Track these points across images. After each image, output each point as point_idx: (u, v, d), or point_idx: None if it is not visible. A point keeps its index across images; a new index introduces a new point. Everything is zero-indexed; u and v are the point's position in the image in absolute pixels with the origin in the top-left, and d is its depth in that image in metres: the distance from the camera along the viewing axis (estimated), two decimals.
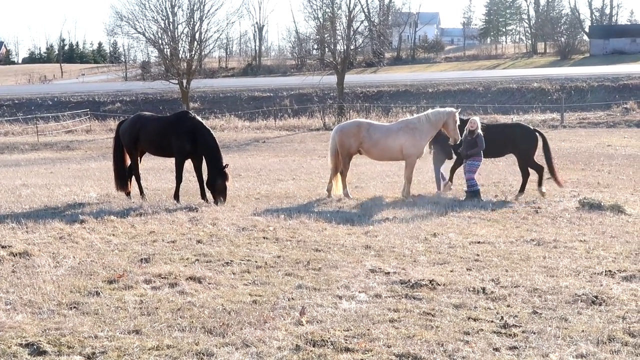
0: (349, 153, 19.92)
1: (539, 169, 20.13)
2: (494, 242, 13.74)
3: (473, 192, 19.14)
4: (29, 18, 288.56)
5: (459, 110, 19.04)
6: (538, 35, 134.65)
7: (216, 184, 18.53)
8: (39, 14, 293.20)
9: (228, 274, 11.45)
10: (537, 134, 20.58)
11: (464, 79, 74.90)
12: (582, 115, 56.07)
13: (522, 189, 20.13)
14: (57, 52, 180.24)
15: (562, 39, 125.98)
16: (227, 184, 18.70)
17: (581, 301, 9.81)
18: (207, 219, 16.09)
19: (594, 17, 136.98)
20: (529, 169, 20.32)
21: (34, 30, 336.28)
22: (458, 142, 19.38)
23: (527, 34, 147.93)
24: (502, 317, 9.12)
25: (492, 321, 9.05)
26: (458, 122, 19.32)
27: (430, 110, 19.81)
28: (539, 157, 20.29)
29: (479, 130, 19.28)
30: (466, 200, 18.79)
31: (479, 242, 13.70)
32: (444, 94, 67.83)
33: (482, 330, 8.73)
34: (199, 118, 19.63)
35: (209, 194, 19.08)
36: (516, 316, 9.23)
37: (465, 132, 19.29)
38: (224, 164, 18.59)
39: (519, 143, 20.38)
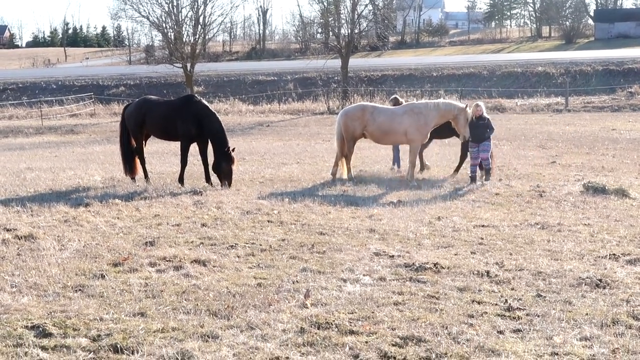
0: (353, 136, 19.93)
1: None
2: (498, 225, 13.75)
3: (488, 171, 19.55)
4: (32, 2, 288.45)
5: (471, 106, 19.04)
6: (543, 19, 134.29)
7: (222, 167, 18.54)
8: None
9: (233, 257, 11.48)
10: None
11: (469, 63, 74.72)
12: (586, 99, 55.89)
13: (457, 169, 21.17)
14: (61, 35, 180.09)
15: (567, 22, 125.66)
16: (233, 167, 18.71)
17: (585, 284, 9.82)
18: (212, 203, 16.12)
19: (599, 0, 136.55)
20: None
21: (37, 14, 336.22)
22: (467, 138, 19.38)
23: (531, 17, 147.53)
24: (506, 300, 9.13)
25: (496, 304, 9.07)
26: (469, 119, 19.16)
27: (442, 100, 19.76)
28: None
29: (485, 114, 19.51)
30: (486, 181, 19.20)
31: (483, 226, 13.71)
32: (448, 77, 67.72)
33: (486, 313, 8.75)
34: (204, 102, 19.61)
35: (213, 178, 19.09)
36: (520, 299, 9.24)
37: (471, 117, 19.24)
38: (229, 147, 18.59)
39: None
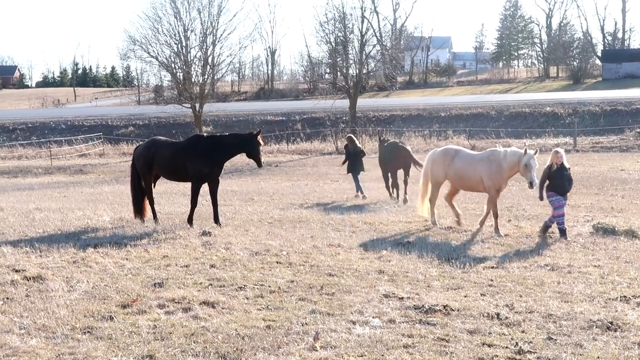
0: (437, 181, 19.42)
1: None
2: (508, 267, 13.69)
3: (563, 231, 17.11)
4: (42, 42, 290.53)
5: (536, 154, 17.63)
6: (550, 59, 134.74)
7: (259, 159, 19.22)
8: (53, 38, 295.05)
9: (241, 298, 11.44)
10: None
11: (477, 103, 74.94)
12: (595, 139, 55.97)
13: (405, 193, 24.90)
14: (70, 75, 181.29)
15: (575, 63, 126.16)
16: (261, 148, 19.39)
17: (596, 327, 9.76)
18: (221, 244, 16.09)
19: (606, 41, 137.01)
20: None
21: (47, 54, 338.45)
22: (532, 185, 17.43)
23: (539, 58, 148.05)
24: (516, 343, 9.08)
25: (506, 347, 9.01)
26: (536, 166, 17.52)
27: (511, 149, 18.64)
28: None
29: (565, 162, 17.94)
30: (561, 239, 16.84)
31: (492, 267, 13.66)
32: (456, 118, 67.92)
33: (496, 356, 8.70)
34: (210, 134, 19.72)
35: (222, 218, 19.14)
36: (531, 342, 9.18)
37: (551, 164, 17.62)
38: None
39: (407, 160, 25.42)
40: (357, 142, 28.54)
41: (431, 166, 19.47)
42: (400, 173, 25.76)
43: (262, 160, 19.44)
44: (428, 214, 19.59)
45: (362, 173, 27.48)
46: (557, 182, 17.49)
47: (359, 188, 26.65)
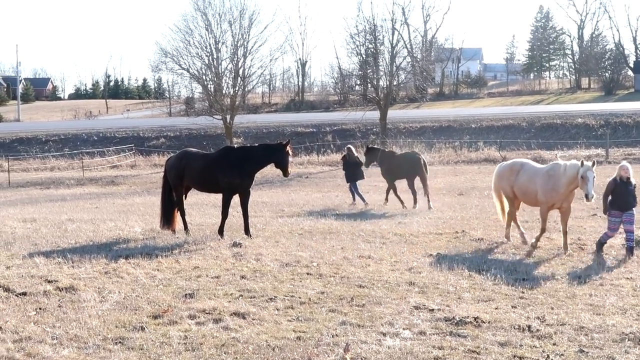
0: (507, 196, 18.74)
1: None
2: (539, 279, 13.62)
3: (631, 249, 16.35)
4: (75, 54, 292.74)
5: (594, 166, 16.83)
6: (582, 70, 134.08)
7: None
8: (85, 50, 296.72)
9: (272, 309, 11.46)
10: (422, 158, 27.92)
11: (508, 115, 74.66)
12: (627, 150, 55.56)
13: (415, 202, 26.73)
14: (102, 88, 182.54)
15: (607, 74, 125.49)
16: (290, 159, 19.49)
17: (628, 340, 9.69)
18: (251, 255, 16.13)
19: (638, 52, 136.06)
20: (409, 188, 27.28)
21: (80, 67, 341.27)
22: (588, 197, 16.53)
23: (570, 69, 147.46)
24: (548, 356, 9.03)
25: (538, 359, 8.96)
26: (593, 178, 16.69)
27: (570, 162, 17.47)
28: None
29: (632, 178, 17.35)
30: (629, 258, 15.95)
31: (523, 279, 13.59)
32: (487, 129, 67.67)
33: None
34: (241, 145, 19.79)
35: (252, 229, 19.21)
36: (562, 355, 9.13)
37: (616, 178, 17.06)
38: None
39: (411, 168, 27.49)
40: (355, 153, 30.46)
41: (498, 181, 18.94)
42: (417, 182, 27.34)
43: (290, 170, 19.51)
44: (511, 229, 18.71)
45: (361, 181, 29.39)
46: (621, 197, 16.86)
47: (358, 196, 28.50)
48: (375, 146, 33.59)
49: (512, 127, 67.75)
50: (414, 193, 27.10)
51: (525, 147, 57.25)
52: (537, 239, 17.50)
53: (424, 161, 27.78)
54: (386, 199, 28.03)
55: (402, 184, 28.08)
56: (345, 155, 30.33)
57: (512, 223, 18.67)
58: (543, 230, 17.56)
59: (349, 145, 31.24)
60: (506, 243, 17.93)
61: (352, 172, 29.16)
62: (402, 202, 26.93)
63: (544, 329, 10.20)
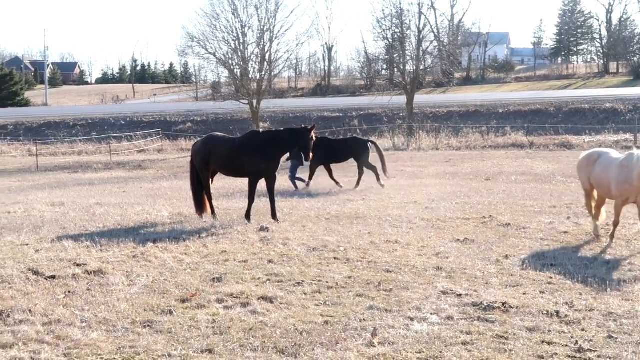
0: (584, 187, 17.62)
1: (374, 168, 28.82)
2: (567, 264, 13.55)
3: None
4: (102, 39, 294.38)
5: None
6: (610, 55, 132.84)
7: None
8: (112, 35, 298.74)
9: (299, 294, 11.48)
10: (369, 143, 29.98)
11: (535, 99, 74.25)
12: None
13: (358, 183, 28.66)
14: (129, 72, 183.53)
15: (635, 58, 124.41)
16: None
17: None
18: (278, 239, 16.15)
19: None
20: (365, 168, 28.98)
21: (107, 51, 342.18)
22: None
23: (599, 53, 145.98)
24: (576, 342, 8.99)
25: (566, 345, 8.93)
26: None
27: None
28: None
29: None
30: None
31: (552, 265, 13.52)
32: (514, 114, 67.35)
33: (556, 354, 8.63)
34: (266, 130, 19.81)
35: (279, 214, 19.23)
36: (591, 340, 9.09)
37: None
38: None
39: (357, 151, 29.03)
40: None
41: (578, 172, 18.02)
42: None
43: (311, 156, 19.59)
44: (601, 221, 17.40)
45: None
46: None
47: (293, 180, 28.86)
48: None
49: (539, 112, 67.38)
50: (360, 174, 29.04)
51: (552, 132, 56.90)
52: (612, 235, 16.23)
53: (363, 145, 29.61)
54: (337, 183, 28.91)
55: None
56: None
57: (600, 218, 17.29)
58: (615, 224, 16.29)
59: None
60: (595, 241, 16.38)
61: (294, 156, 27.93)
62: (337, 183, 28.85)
63: (573, 315, 10.16)
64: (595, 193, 17.19)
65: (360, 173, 29.07)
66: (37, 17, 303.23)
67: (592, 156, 17.14)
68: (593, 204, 17.40)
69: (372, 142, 30.64)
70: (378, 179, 28.48)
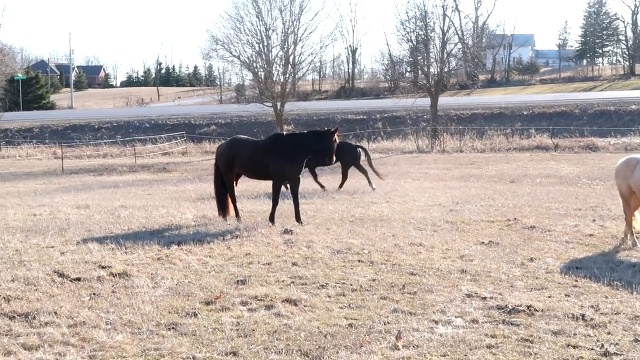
0: (622, 194, 16.96)
1: (364, 172, 29.43)
2: (593, 267, 13.46)
3: None
4: (127, 42, 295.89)
5: None
6: (636, 56, 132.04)
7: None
8: (137, 38, 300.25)
9: (323, 296, 11.47)
10: (359, 149, 30.32)
11: (560, 101, 73.96)
12: None
13: (341, 186, 29.03)
14: (154, 75, 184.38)
15: None
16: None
17: None
18: (302, 242, 16.15)
19: None
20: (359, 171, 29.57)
21: (131, 55, 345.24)
22: None
23: (624, 55, 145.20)
24: (602, 345, 8.93)
25: (592, 349, 8.87)
26: None
27: None
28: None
29: None
30: None
31: (577, 268, 13.44)
32: (539, 116, 67.16)
33: (581, 358, 8.57)
34: (290, 132, 19.85)
35: (304, 217, 19.24)
36: (617, 344, 9.03)
37: None
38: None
39: (343, 155, 27.67)
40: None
41: (615, 177, 17.38)
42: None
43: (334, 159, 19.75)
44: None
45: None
46: None
47: None
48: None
49: (564, 114, 67.13)
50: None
51: (578, 135, 56.66)
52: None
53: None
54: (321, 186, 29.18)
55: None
56: None
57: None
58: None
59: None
60: (622, 244, 16.13)
61: None
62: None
63: (598, 318, 10.09)
64: (633, 199, 16.78)
65: (344, 177, 29.55)
66: (63, 20, 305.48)
67: (631, 162, 16.73)
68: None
69: (362, 148, 31.11)
70: (370, 182, 28.75)
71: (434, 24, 69.82)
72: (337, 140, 19.61)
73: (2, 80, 76.97)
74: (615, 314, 10.33)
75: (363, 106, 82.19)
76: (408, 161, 47.31)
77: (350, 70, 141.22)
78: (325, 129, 20.11)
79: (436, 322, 9.97)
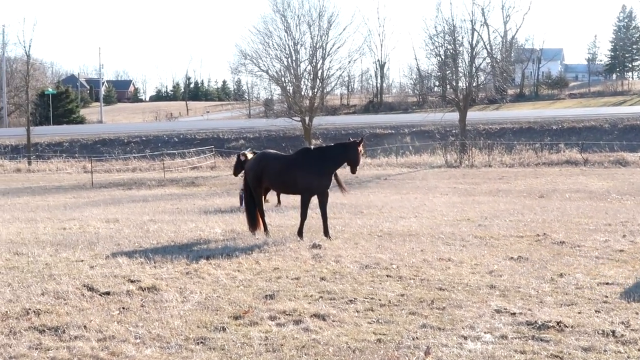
0: None
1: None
2: (623, 283, 13.36)
3: None
4: (156, 57, 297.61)
5: None
6: None
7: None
8: (166, 53, 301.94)
9: (352, 311, 11.45)
10: None
11: (589, 116, 73.65)
12: None
13: None
14: (182, 90, 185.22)
15: None
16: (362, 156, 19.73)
17: None
18: (331, 256, 16.13)
19: None
20: None
21: (161, 69, 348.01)
22: None
23: None
24: None
25: None
26: None
27: None
28: None
29: None
30: None
31: (607, 284, 13.34)
32: (568, 131, 66.89)
33: None
34: (317, 146, 19.92)
35: (332, 231, 19.22)
36: None
37: None
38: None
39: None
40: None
41: None
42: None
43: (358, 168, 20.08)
44: None
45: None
46: None
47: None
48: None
49: (594, 129, 66.83)
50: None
51: (607, 149, 56.41)
52: None
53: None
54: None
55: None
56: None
57: None
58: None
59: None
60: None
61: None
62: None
63: (629, 334, 10.01)
64: None
65: None
66: (93, 35, 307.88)
67: None
68: None
69: None
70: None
71: (462, 38, 69.85)
72: (362, 152, 19.63)
73: (33, 94, 77.83)
74: None
75: (391, 120, 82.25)
76: (436, 176, 47.25)
77: (378, 85, 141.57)
78: (351, 140, 20.12)
79: (465, 338, 9.93)
